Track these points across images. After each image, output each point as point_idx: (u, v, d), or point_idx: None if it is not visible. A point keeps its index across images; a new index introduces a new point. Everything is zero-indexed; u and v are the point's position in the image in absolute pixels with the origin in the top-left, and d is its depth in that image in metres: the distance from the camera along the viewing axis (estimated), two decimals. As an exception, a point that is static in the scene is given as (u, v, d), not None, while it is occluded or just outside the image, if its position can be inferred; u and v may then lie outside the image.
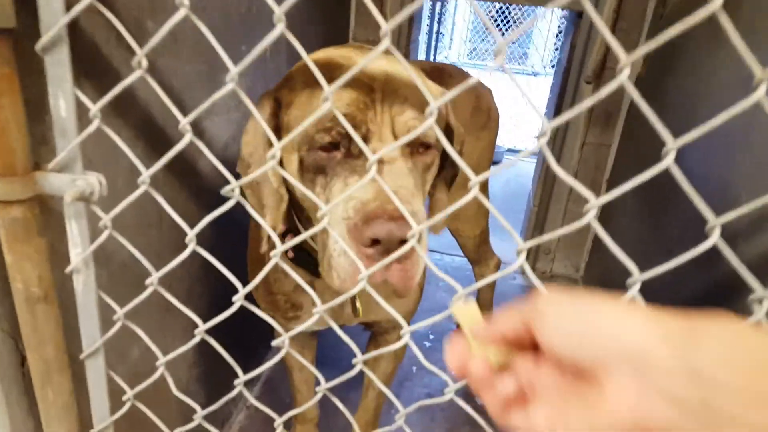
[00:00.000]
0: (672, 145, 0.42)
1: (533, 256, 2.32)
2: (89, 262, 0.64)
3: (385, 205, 0.66)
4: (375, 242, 0.64)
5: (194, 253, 0.61)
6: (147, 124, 0.88)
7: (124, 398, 0.70)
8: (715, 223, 0.44)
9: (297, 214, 0.89)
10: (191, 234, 0.59)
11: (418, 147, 0.77)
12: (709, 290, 1.04)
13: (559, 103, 2.15)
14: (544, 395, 0.38)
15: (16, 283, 0.62)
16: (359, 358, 0.63)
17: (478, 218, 1.63)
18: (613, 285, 1.61)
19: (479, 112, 1.43)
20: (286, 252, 0.89)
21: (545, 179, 2.20)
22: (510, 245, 2.59)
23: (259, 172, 0.55)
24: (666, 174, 0.44)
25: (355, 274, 0.63)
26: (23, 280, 0.62)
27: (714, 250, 0.44)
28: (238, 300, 0.61)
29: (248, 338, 1.52)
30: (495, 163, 3.86)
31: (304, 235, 0.58)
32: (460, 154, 0.88)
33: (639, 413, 0.32)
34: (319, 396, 0.68)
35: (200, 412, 0.68)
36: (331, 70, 0.74)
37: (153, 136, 0.90)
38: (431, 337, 1.95)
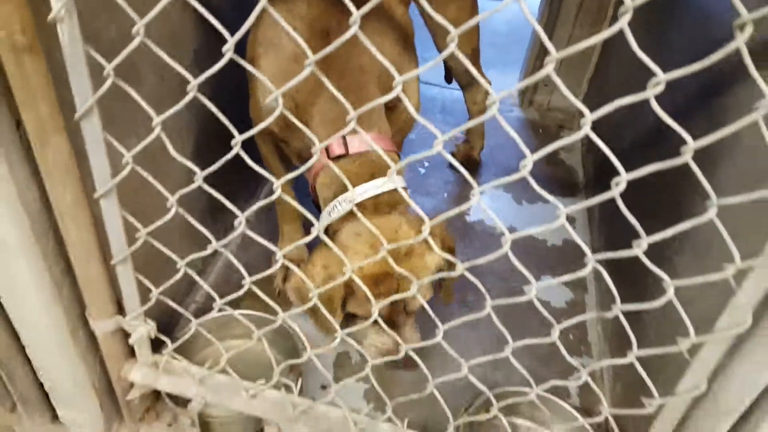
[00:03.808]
0: None
1: (532, 86, 2.28)
2: (72, 11, 0.61)
3: None
4: None
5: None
6: None
7: (123, 161, 0.72)
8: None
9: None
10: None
11: None
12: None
13: None
14: None
15: (-2, 31, 0.60)
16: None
17: (467, 35, 1.58)
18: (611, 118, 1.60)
19: None
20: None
21: (551, 3, 2.09)
22: (510, 78, 2.53)
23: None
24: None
25: None
26: (5, 26, 0.60)
27: None
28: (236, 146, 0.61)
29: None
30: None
31: None
32: None
33: None
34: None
35: (200, 173, 0.71)
36: None
37: None
38: (426, 164, 1.99)
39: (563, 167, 2.04)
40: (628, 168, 0.50)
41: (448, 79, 1.84)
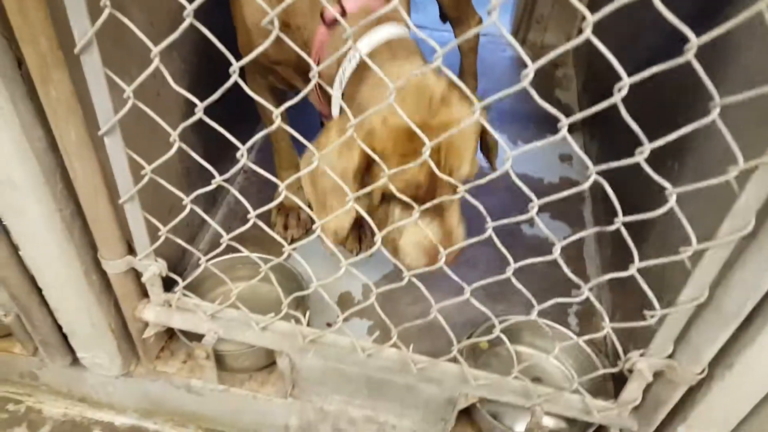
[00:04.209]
0: None
1: (525, 25, 2.24)
2: (65, -60, 0.60)
3: None
4: None
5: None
6: None
7: (124, 95, 0.72)
8: None
9: None
10: None
11: None
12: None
13: None
14: None
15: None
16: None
17: None
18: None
19: None
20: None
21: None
22: (501, 18, 2.49)
23: None
24: None
25: None
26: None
27: None
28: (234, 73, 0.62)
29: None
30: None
31: None
32: None
33: None
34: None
35: (200, 105, 0.70)
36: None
37: None
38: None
39: (559, 107, 2.03)
40: (626, 106, 0.51)
41: (444, 18, 1.82)
